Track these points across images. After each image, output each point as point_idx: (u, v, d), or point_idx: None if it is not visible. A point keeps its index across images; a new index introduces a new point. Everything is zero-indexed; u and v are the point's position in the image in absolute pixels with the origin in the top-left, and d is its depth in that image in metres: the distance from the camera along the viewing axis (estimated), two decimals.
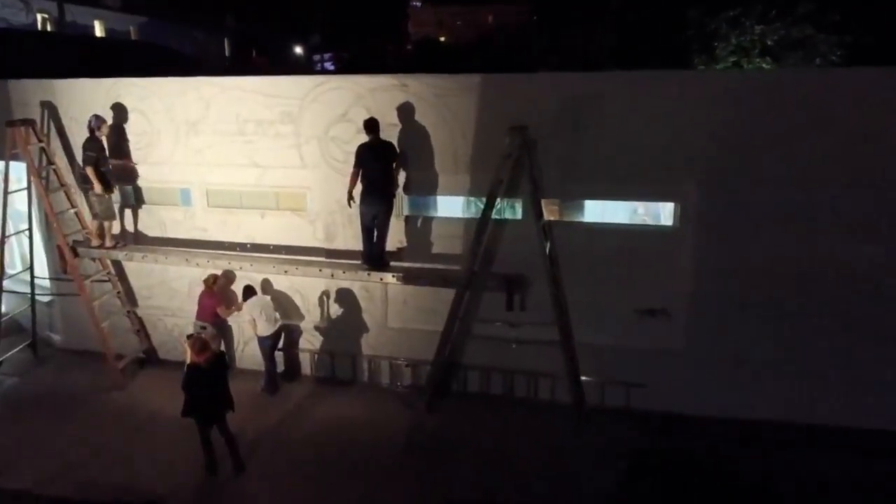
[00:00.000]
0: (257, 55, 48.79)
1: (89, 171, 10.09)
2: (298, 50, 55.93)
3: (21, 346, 11.73)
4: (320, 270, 9.88)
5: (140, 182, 10.91)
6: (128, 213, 11.13)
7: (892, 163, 8.29)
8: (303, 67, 51.27)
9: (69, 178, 10.97)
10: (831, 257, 8.62)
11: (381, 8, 61.36)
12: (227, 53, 49.03)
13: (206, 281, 10.10)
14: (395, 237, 9.88)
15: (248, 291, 10.12)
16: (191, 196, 10.77)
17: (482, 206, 9.05)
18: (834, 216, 8.51)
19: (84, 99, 10.66)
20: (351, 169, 9.21)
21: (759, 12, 18.98)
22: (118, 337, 11.26)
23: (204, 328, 9.98)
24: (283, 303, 10.59)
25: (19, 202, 11.51)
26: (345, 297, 10.42)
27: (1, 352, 11.36)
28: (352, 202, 9.28)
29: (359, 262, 9.78)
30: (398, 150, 9.40)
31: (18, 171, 11.18)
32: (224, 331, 10.66)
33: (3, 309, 11.52)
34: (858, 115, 8.22)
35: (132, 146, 10.70)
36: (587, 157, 9.00)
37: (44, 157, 10.80)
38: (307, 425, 9.67)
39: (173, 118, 10.40)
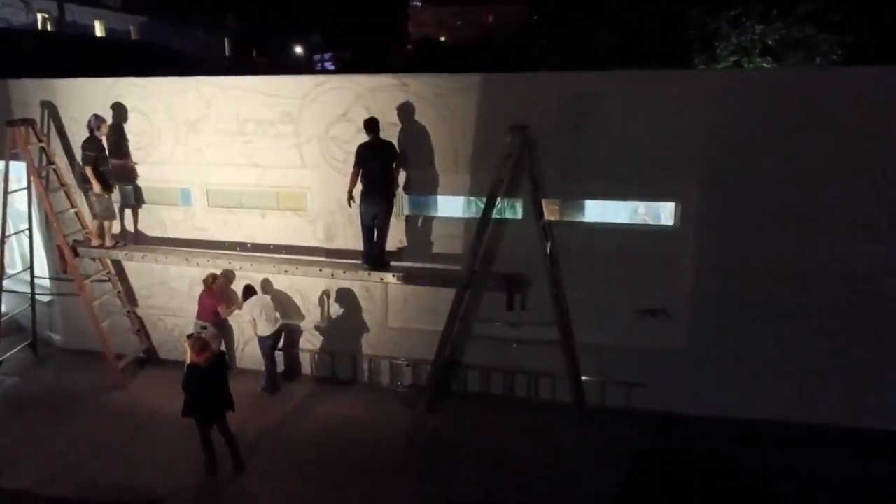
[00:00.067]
0: (257, 55, 48.79)
1: (88, 170, 10.08)
2: (299, 50, 55.95)
3: (21, 346, 11.73)
4: (320, 270, 9.88)
5: (140, 182, 10.91)
6: (128, 212, 11.12)
7: (892, 162, 8.29)
8: (303, 67, 51.28)
9: (69, 178, 10.96)
10: (831, 257, 8.61)
11: (381, 8, 61.36)
12: (227, 53, 49.01)
13: (205, 281, 10.09)
14: (396, 237, 9.88)
15: (249, 291, 10.12)
16: (191, 196, 10.77)
17: (482, 206, 9.04)
18: (834, 216, 8.51)
19: (84, 98, 10.66)
20: (351, 168, 9.21)
21: (760, 12, 18.98)
22: (118, 337, 11.26)
23: (204, 328, 9.97)
24: (283, 302, 10.58)
25: (19, 202, 11.51)
26: (345, 296, 10.42)
27: (1, 351, 11.35)
28: (352, 202, 9.27)
29: (359, 261, 9.78)
30: (398, 149, 9.39)
31: (18, 171, 11.18)
32: (225, 330, 10.66)
33: (3, 309, 11.51)
34: (859, 115, 8.22)
35: (132, 146, 10.69)
36: (588, 157, 8.99)
37: (44, 157, 10.80)
38: (307, 425, 9.66)
39: (173, 118, 10.39)
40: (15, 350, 11.57)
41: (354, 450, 8.97)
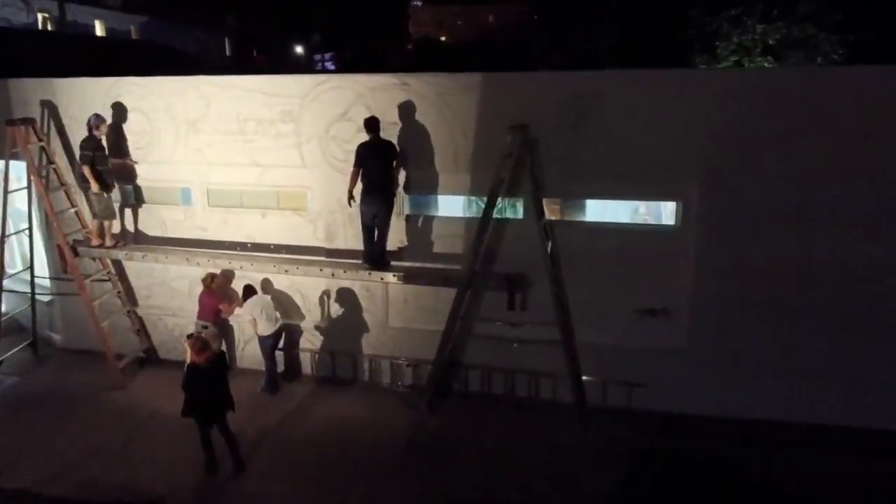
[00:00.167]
0: (258, 54, 48.81)
1: (86, 169, 10.09)
2: (299, 50, 55.97)
3: (21, 346, 11.73)
4: (321, 270, 9.87)
5: (140, 181, 10.90)
6: (128, 212, 11.11)
7: (892, 162, 8.28)
8: (304, 67, 51.30)
9: (69, 178, 10.95)
10: (831, 257, 8.61)
11: (381, 8, 61.38)
12: (227, 53, 49.03)
13: (204, 280, 10.08)
14: (396, 236, 9.88)
15: (249, 291, 10.12)
16: (191, 195, 10.76)
17: (483, 206, 9.02)
18: (834, 216, 8.51)
19: (84, 98, 10.65)
20: (351, 168, 9.21)
21: (761, 11, 18.97)
22: (118, 336, 11.25)
23: (205, 327, 9.97)
24: (283, 302, 10.58)
25: (19, 201, 11.51)
26: (345, 296, 10.41)
27: (1, 351, 11.35)
28: (352, 201, 9.27)
29: (359, 261, 9.77)
30: (398, 148, 9.39)
31: (18, 171, 11.17)
32: (226, 330, 10.65)
33: (4, 308, 11.51)
34: (859, 115, 8.21)
35: (133, 145, 10.68)
36: (588, 156, 8.99)
37: (44, 157, 10.80)
38: (308, 425, 9.66)
39: (173, 117, 10.39)
40: (15, 350, 11.57)
41: (355, 450, 8.96)
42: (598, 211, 9.40)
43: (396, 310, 10.31)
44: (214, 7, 45.32)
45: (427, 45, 56.70)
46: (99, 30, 36.45)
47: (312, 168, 10.01)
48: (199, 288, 10.17)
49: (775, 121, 8.40)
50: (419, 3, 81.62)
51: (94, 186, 10.16)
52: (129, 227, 11.16)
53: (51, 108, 10.90)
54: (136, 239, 11.12)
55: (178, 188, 10.83)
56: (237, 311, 10.21)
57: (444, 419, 9.65)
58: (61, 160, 10.94)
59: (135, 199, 11.05)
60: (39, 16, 32.47)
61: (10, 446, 9.19)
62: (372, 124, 9.11)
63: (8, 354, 11.42)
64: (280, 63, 44.34)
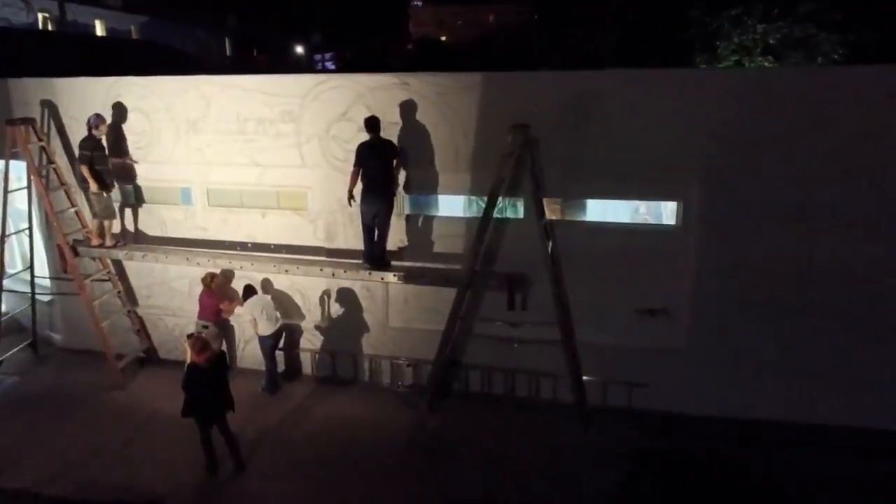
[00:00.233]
0: (258, 54, 48.81)
1: (84, 169, 10.09)
2: (300, 49, 55.98)
3: (21, 346, 11.73)
4: (321, 270, 9.87)
5: (140, 181, 10.89)
6: (128, 212, 11.11)
7: (892, 162, 8.28)
8: (304, 67, 51.31)
9: (69, 178, 10.95)
10: (831, 257, 8.60)
11: (381, 8, 61.38)
12: (228, 53, 49.03)
13: (203, 280, 10.08)
14: (397, 236, 9.87)
15: (249, 291, 10.11)
16: (191, 195, 10.76)
17: (484, 205, 9.02)
18: (834, 216, 8.50)
19: (84, 98, 10.65)
20: (351, 168, 9.20)
21: (761, 11, 18.97)
22: (118, 336, 11.25)
23: (206, 327, 9.97)
24: (283, 302, 10.58)
25: (19, 201, 11.50)
26: (346, 296, 10.41)
27: (1, 351, 11.35)
28: (352, 201, 9.27)
29: (360, 261, 9.77)
30: (399, 147, 9.39)
31: (18, 170, 11.17)
32: (226, 330, 10.65)
33: (4, 308, 11.51)
34: (859, 115, 8.21)
35: (133, 145, 10.68)
36: (589, 156, 8.98)
37: (44, 156, 10.79)
38: (308, 425, 9.66)
39: (173, 117, 10.39)
40: (15, 350, 11.57)
41: (355, 450, 8.96)
42: (599, 211, 9.40)
43: (397, 310, 10.30)
44: (215, 7, 45.33)
45: (427, 45, 56.72)
46: (99, 30, 36.47)
47: (313, 168, 10.00)
48: (200, 288, 10.17)
49: (775, 121, 8.40)
50: (419, 3, 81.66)
51: (93, 186, 10.16)
52: (130, 226, 11.15)
53: (51, 108, 10.90)
54: (137, 239, 11.12)
55: (178, 188, 10.83)
56: (237, 310, 10.21)
57: (445, 419, 9.65)
58: (61, 160, 10.94)
59: (135, 199, 11.05)
60: (40, 16, 32.48)
61: (10, 446, 9.19)
62: (372, 124, 9.11)
63: (8, 354, 11.42)
64: (280, 63, 44.33)
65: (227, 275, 10.40)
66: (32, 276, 11.65)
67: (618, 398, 9.62)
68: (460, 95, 9.19)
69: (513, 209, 9.51)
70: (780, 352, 8.99)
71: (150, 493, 8.20)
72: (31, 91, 10.93)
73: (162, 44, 32.11)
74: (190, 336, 8.65)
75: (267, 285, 10.55)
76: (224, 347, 10.17)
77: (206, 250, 10.55)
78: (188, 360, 8.22)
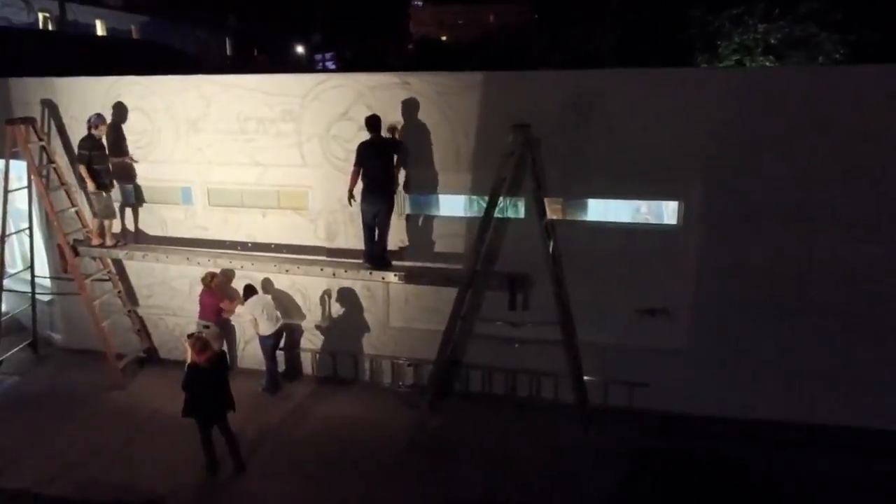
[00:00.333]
0: (258, 54, 48.80)
1: (82, 168, 10.10)
2: (300, 49, 55.98)
3: (21, 346, 11.73)
4: (322, 269, 9.87)
5: (141, 181, 10.89)
6: (128, 211, 11.11)
7: (892, 162, 8.27)
8: (304, 67, 51.31)
9: (69, 177, 10.94)
10: (831, 257, 8.61)
11: (381, 7, 61.37)
12: (228, 53, 49.03)
13: (203, 280, 10.08)
14: (397, 236, 9.87)
15: (249, 290, 10.11)
16: (192, 195, 10.75)
17: (485, 205, 9.02)
18: (834, 216, 8.50)
19: (85, 97, 10.64)
20: (352, 167, 9.20)
21: (762, 10, 18.96)
22: (119, 336, 11.25)
23: (207, 327, 9.97)
24: (284, 302, 10.58)
25: (20, 201, 11.50)
26: (346, 296, 10.41)
27: (1, 351, 11.35)
28: (352, 200, 9.27)
29: (360, 261, 9.77)
30: (400, 141, 9.40)
31: (19, 170, 11.17)
32: (228, 330, 10.65)
33: (4, 308, 11.51)
34: (859, 115, 8.20)
35: (133, 145, 10.67)
36: (590, 156, 8.98)
37: (44, 156, 10.79)
38: (308, 425, 9.66)
39: (174, 116, 10.38)
40: (15, 349, 11.57)
41: (355, 450, 8.96)
42: (600, 210, 9.40)
43: (397, 309, 10.30)
44: (215, 7, 45.32)
45: (428, 44, 56.67)
46: (100, 29, 36.46)
47: (313, 167, 10.00)
48: (200, 287, 10.17)
49: (776, 120, 8.40)
50: (420, 3, 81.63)
51: (90, 185, 10.16)
52: (130, 226, 11.15)
53: (51, 108, 10.89)
54: (137, 238, 11.11)
55: (178, 187, 10.82)
56: (238, 310, 10.21)
57: (445, 419, 9.65)
58: (61, 159, 10.94)
59: (135, 199, 11.05)
60: (40, 15, 32.48)
61: (10, 446, 9.19)
62: (373, 123, 9.11)
63: (8, 354, 11.42)
64: (281, 63, 44.31)
65: (228, 274, 10.41)
66: (33, 275, 11.65)
67: (618, 398, 9.62)
68: (461, 95, 9.19)
69: (514, 209, 9.50)
70: (780, 352, 8.99)
71: (150, 493, 8.20)
72: (31, 91, 10.93)
73: (162, 44, 32.10)
74: (190, 336, 8.64)
75: (267, 285, 10.55)
76: (225, 347, 10.17)
77: (207, 250, 10.55)
78: (188, 360, 8.22)
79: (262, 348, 10.22)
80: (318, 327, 10.70)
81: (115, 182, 10.56)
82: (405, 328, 10.32)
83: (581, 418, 9.27)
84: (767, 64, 18.93)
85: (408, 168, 9.63)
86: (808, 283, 8.73)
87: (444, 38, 66.85)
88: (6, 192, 11.03)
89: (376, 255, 9.53)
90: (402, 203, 9.84)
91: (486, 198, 8.95)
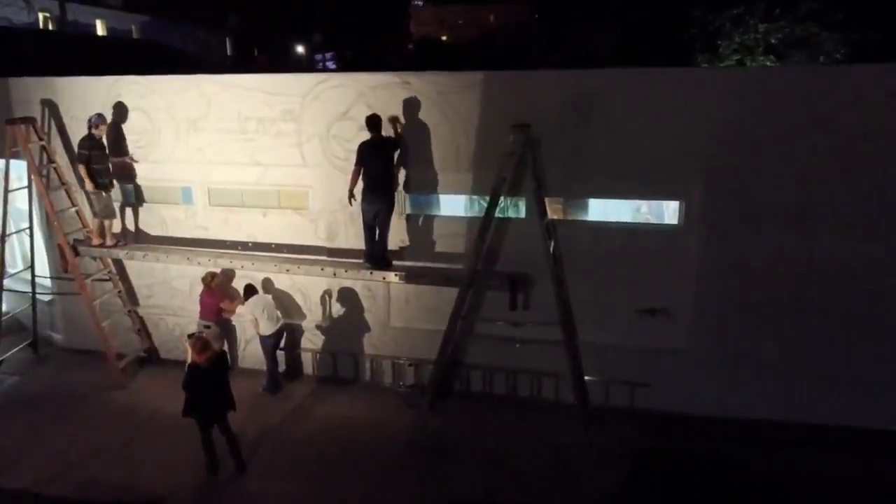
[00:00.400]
0: (259, 54, 48.81)
1: (81, 168, 10.12)
2: (300, 49, 55.97)
3: (22, 345, 11.73)
4: (322, 269, 9.87)
5: (141, 180, 10.89)
6: (128, 211, 11.11)
7: (892, 162, 8.27)
8: (305, 67, 51.30)
9: (70, 177, 10.94)
10: (831, 257, 8.60)
11: (382, 7, 61.35)
12: (228, 53, 49.03)
13: (203, 279, 10.09)
14: (398, 236, 9.87)
15: (250, 290, 10.11)
16: (192, 194, 10.75)
17: (485, 205, 9.02)
18: (834, 216, 8.50)
19: (85, 97, 10.64)
20: (352, 167, 9.20)
21: (763, 10, 18.95)
22: (119, 336, 11.25)
23: (207, 327, 9.96)
24: (284, 302, 10.57)
25: (20, 201, 11.50)
26: (347, 296, 10.41)
27: (1, 351, 11.34)
28: (353, 200, 9.27)
29: (361, 260, 9.77)
30: (400, 136, 9.39)
31: (19, 170, 11.17)
32: (228, 330, 10.64)
33: (4, 308, 11.51)
34: (858, 114, 8.20)
35: (133, 144, 10.67)
36: (591, 155, 8.98)
37: (44, 156, 10.79)
38: (309, 425, 9.66)
39: (174, 116, 10.38)
40: (15, 349, 11.57)
41: (355, 450, 8.96)
42: (601, 210, 9.40)
43: (398, 309, 10.30)
44: (215, 7, 45.32)
45: (428, 44, 56.63)
46: (100, 29, 36.48)
47: (314, 167, 10.00)
48: (200, 287, 10.17)
49: (776, 120, 8.40)
50: (420, 3, 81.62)
51: (89, 185, 10.17)
52: (130, 226, 11.15)
53: (51, 108, 10.89)
54: (137, 238, 11.11)
55: (178, 187, 10.82)
56: (238, 309, 10.21)
57: (446, 419, 9.65)
58: (62, 159, 10.94)
59: (135, 199, 11.05)
60: (40, 15, 32.49)
61: (10, 446, 9.19)
62: (373, 122, 9.10)
63: (8, 354, 11.42)
64: (281, 63, 44.30)
65: (228, 274, 10.41)
66: (33, 275, 11.64)
67: (619, 398, 9.62)
68: (461, 94, 9.18)
69: (514, 209, 9.50)
70: (780, 352, 8.99)
71: (150, 493, 8.20)
72: (31, 90, 10.92)
73: (162, 43, 32.12)
74: (191, 336, 8.63)
75: (268, 285, 10.55)
76: (225, 347, 10.16)
77: (207, 250, 10.55)
78: (189, 360, 8.22)
79: (263, 348, 10.22)
80: (318, 327, 10.70)
81: (115, 182, 10.55)
82: (406, 328, 10.32)
83: (582, 418, 9.27)
84: (768, 64, 18.92)
85: (408, 168, 9.63)
86: (808, 283, 8.72)
87: (444, 37, 66.84)
88: (6, 191, 11.03)
89: (377, 255, 9.53)
90: (403, 203, 9.84)
91: (487, 197, 8.95)
